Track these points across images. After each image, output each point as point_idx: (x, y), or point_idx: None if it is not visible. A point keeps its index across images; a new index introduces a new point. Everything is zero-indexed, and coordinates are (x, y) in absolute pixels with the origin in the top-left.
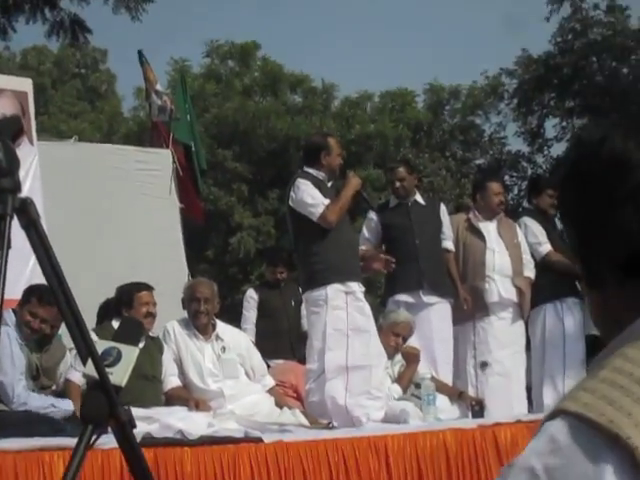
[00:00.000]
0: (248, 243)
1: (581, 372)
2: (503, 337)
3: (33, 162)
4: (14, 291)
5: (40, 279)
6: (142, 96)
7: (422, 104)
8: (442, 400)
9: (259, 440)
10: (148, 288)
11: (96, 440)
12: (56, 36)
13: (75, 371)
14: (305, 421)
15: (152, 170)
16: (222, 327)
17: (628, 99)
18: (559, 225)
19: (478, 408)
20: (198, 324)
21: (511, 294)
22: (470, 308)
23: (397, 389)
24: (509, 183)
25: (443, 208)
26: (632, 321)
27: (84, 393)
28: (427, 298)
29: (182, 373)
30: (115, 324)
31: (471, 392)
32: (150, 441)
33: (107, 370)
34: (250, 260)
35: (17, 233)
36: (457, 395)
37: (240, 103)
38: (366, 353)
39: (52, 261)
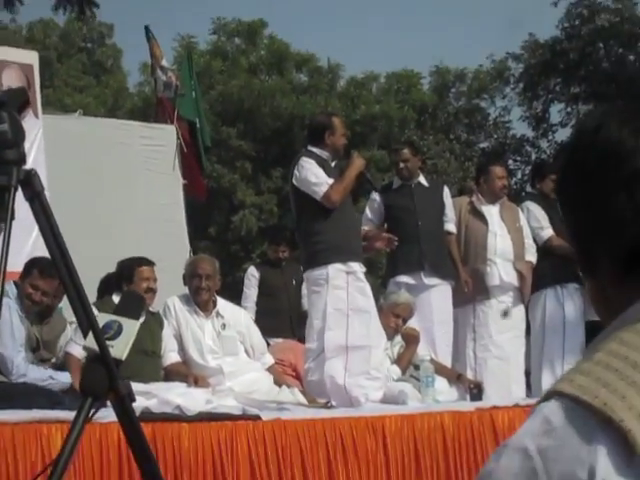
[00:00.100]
0: (250, 221)
1: (580, 358)
2: (503, 321)
3: (38, 135)
4: (16, 263)
5: (42, 251)
6: (148, 71)
7: (428, 86)
8: (441, 382)
9: (257, 418)
10: (149, 263)
11: (95, 413)
12: (63, 9)
13: (75, 344)
14: (303, 400)
15: (156, 146)
16: (223, 304)
17: (634, 86)
18: None
19: (476, 391)
20: (199, 300)
21: (512, 278)
22: (471, 291)
23: (396, 370)
24: (513, 167)
25: (446, 190)
26: (628, 306)
27: (84, 365)
28: (428, 280)
29: (182, 349)
30: (116, 299)
31: (470, 375)
32: (148, 416)
33: (108, 343)
34: (252, 238)
35: (20, 205)
36: (456, 377)
37: (246, 81)
38: (366, 333)
39: (55, 233)
